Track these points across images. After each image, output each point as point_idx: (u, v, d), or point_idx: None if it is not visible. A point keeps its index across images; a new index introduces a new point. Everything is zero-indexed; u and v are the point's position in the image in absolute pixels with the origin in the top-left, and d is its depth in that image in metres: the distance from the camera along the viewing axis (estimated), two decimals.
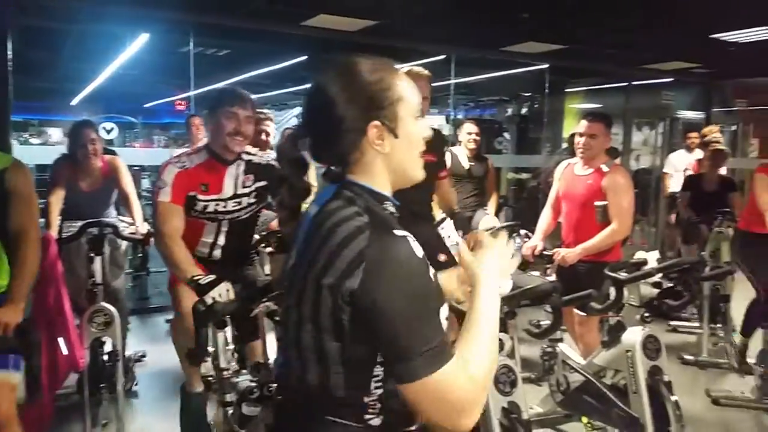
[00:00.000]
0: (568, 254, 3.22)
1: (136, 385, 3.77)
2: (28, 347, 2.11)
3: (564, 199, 3.45)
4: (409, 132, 1.13)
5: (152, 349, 4.28)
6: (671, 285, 5.14)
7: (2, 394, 2.09)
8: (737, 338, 3.75)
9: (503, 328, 2.27)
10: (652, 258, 2.79)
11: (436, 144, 3.01)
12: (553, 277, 3.52)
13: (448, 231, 4.29)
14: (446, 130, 7.29)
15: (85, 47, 7.10)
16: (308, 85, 1.17)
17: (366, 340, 1.03)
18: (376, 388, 1.07)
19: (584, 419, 3.05)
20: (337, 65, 1.13)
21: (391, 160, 1.13)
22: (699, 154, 5.76)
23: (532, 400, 3.38)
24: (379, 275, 0.98)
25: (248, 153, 2.63)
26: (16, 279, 2.18)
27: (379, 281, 0.98)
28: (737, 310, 4.14)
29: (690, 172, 5.69)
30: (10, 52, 4.43)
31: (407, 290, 0.98)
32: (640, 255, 2.85)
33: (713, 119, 9.38)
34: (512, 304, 2.21)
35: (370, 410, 1.09)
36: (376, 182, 1.14)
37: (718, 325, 4.43)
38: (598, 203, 3.22)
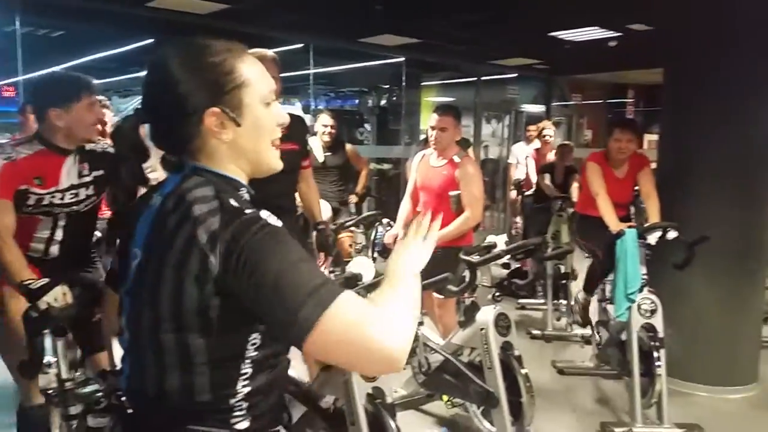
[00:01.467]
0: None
1: None
2: None
3: (421, 189, 3.56)
4: (256, 119, 1.07)
5: None
6: (518, 266, 5.61)
7: None
8: (581, 295, 4.09)
9: None
10: (501, 241, 2.97)
11: (298, 131, 2.92)
12: None
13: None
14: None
15: None
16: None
17: (238, 328, 0.97)
18: (244, 386, 1.01)
19: (445, 397, 3.19)
20: (175, 46, 1.05)
21: (236, 149, 1.06)
22: (537, 144, 6.26)
23: (397, 384, 3.48)
24: (238, 253, 0.92)
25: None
26: None
27: (240, 258, 0.91)
28: (578, 287, 4.56)
29: (531, 161, 6.15)
30: None
31: (272, 252, 0.92)
32: (490, 239, 3.02)
33: (552, 112, 10.25)
34: (372, 291, 2.22)
35: (237, 412, 1.03)
36: (226, 171, 1.07)
37: (561, 301, 4.86)
38: (452, 193, 3.36)
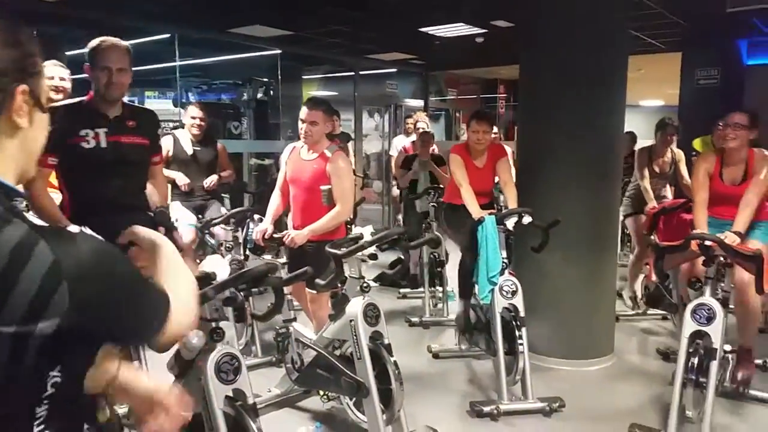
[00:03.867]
0: (296, 236, 3.27)
1: None
2: None
3: (291, 182, 3.49)
4: (42, 117, 0.94)
5: None
6: (400, 257, 5.70)
7: None
8: (457, 305, 4.15)
9: (222, 315, 2.19)
10: (367, 232, 2.97)
11: (147, 125, 2.80)
12: (283, 259, 3.55)
13: (176, 214, 4.05)
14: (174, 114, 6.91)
15: None
16: None
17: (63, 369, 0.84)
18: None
19: (320, 392, 3.16)
20: None
21: (26, 142, 0.91)
22: (414, 137, 6.40)
23: (271, 383, 3.40)
24: (92, 285, 0.81)
25: None
26: None
27: (95, 291, 0.81)
28: (452, 273, 4.70)
29: (404, 153, 6.27)
30: None
31: (123, 283, 0.88)
32: (356, 230, 3.01)
33: (430, 106, 10.54)
34: (230, 289, 2.14)
35: None
36: (3, 171, 0.89)
37: (438, 288, 5.00)
38: (323, 187, 3.32)
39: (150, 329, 0.93)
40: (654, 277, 3.52)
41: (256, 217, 4.15)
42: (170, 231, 2.71)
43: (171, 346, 1.02)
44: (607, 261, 4.02)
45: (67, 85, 3.28)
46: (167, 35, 6.52)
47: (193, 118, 4.47)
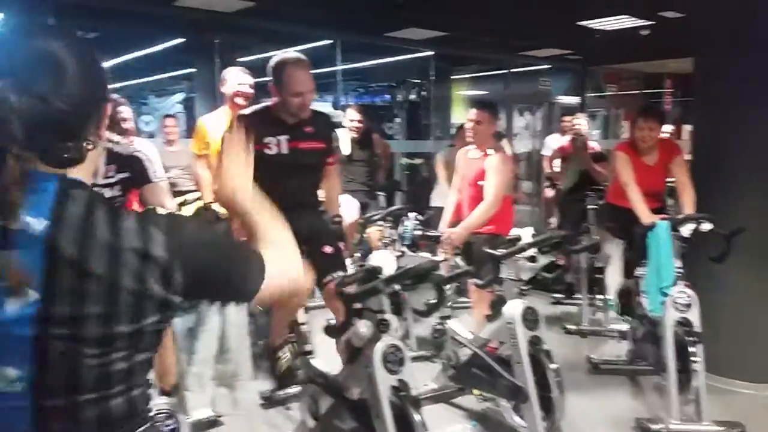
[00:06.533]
0: (453, 233, 3.34)
1: None
2: None
3: (461, 181, 3.73)
4: None
5: None
6: (554, 260, 5.50)
7: None
8: (619, 281, 3.95)
9: (391, 309, 2.26)
10: (527, 234, 2.91)
11: (323, 129, 2.92)
12: (440, 257, 3.60)
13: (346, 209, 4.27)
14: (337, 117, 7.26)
15: None
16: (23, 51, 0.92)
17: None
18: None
19: (475, 391, 3.15)
20: (62, 36, 0.94)
21: (97, 150, 0.97)
22: (570, 136, 6.12)
23: (427, 378, 3.45)
24: (197, 258, 0.96)
25: (110, 140, 2.42)
26: None
27: (200, 263, 0.96)
28: (612, 280, 4.44)
29: (557, 154, 6.03)
30: None
31: (221, 253, 1.02)
32: (515, 232, 2.97)
33: (587, 104, 10.03)
34: (395, 284, 2.20)
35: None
36: (83, 174, 0.96)
37: (596, 296, 4.75)
38: (483, 182, 3.49)
39: (248, 290, 1.03)
40: None
41: (411, 214, 4.24)
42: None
43: (269, 303, 1.12)
44: None
45: (251, 91, 3.51)
46: (329, 41, 6.86)
47: (352, 120, 4.73)
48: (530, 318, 2.72)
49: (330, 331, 2.34)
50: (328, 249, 2.81)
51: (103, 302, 0.87)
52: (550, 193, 6.41)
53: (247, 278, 1.02)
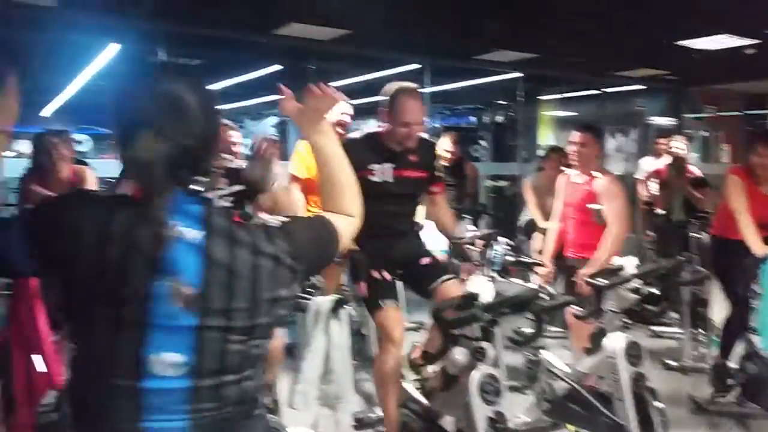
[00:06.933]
0: (584, 273, 3.18)
1: None
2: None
3: (565, 207, 3.69)
4: None
5: None
6: (652, 291, 5.21)
7: None
8: (714, 351, 3.73)
9: (486, 336, 2.23)
10: (630, 264, 2.78)
11: (426, 159, 2.88)
12: (533, 284, 3.52)
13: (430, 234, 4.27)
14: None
15: (55, 58, 6.92)
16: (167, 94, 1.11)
17: None
18: None
19: (570, 427, 3.02)
20: (191, 82, 1.15)
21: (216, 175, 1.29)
22: (667, 159, 5.83)
23: (518, 409, 3.34)
24: (306, 250, 1.20)
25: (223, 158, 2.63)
26: None
27: (309, 252, 1.22)
28: (717, 314, 4.16)
29: (653, 177, 5.75)
30: None
31: (319, 239, 1.28)
32: (617, 261, 2.85)
33: (684, 126, 9.54)
34: (494, 312, 2.17)
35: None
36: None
37: (700, 330, 4.46)
38: (593, 206, 3.46)
39: (336, 250, 1.31)
40: None
41: (502, 239, 4.17)
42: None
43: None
44: None
45: (349, 120, 3.59)
46: (416, 65, 6.94)
47: (446, 151, 4.86)
48: (634, 353, 2.59)
49: (426, 357, 2.33)
50: (425, 260, 2.84)
51: (246, 298, 1.07)
52: (647, 218, 6.10)
53: (334, 242, 1.28)
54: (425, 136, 3.05)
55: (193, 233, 1.05)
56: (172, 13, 5.02)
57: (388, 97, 2.71)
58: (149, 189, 1.03)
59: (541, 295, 3.38)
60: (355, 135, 3.02)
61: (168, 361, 1.03)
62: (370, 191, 2.82)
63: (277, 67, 7.33)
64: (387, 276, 2.76)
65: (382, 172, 2.74)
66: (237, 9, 4.90)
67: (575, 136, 3.53)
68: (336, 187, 1.35)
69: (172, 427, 1.05)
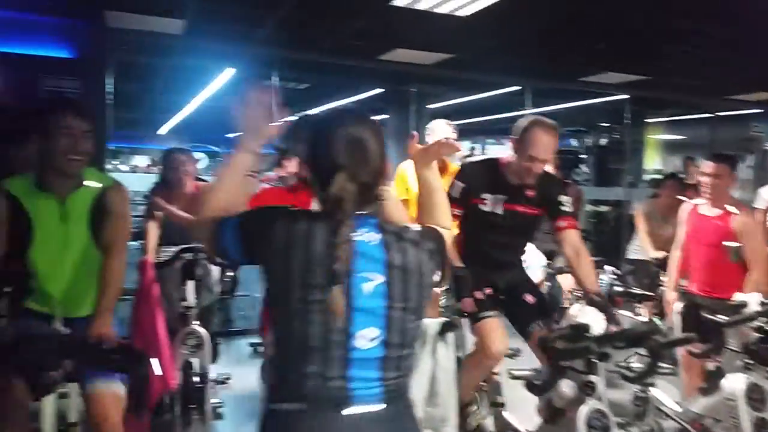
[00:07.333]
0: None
1: (221, 407, 3.81)
2: (132, 365, 2.18)
3: (691, 240, 3.46)
4: None
5: (236, 372, 4.32)
6: None
7: (113, 405, 2.18)
8: None
9: (592, 370, 2.16)
10: (754, 300, 2.61)
11: (547, 196, 2.72)
12: (643, 317, 3.37)
13: (531, 260, 4.19)
14: None
15: (176, 81, 7.49)
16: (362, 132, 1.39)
17: None
18: None
19: None
20: (361, 116, 1.44)
21: None
22: None
23: None
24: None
25: None
26: (101, 290, 2.23)
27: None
28: None
29: None
30: (109, 86, 4.73)
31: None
32: (739, 297, 2.68)
33: None
34: (607, 345, 2.10)
35: None
36: None
37: None
38: (728, 243, 3.22)
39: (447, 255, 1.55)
40: None
41: (608, 268, 4.03)
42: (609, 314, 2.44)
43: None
44: None
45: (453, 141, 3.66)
46: (518, 87, 6.89)
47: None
48: (756, 396, 2.43)
49: (531, 387, 2.30)
50: (529, 298, 2.79)
51: (416, 283, 1.36)
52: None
53: (445, 243, 1.52)
54: (549, 169, 2.90)
55: (374, 236, 1.35)
56: (285, 40, 5.31)
57: (522, 128, 2.64)
58: (341, 216, 1.30)
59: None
60: (476, 159, 3.04)
61: (368, 336, 1.31)
62: (478, 219, 2.85)
63: (378, 90, 7.53)
64: (489, 291, 2.73)
65: (494, 204, 2.71)
66: (345, 37, 5.10)
67: (708, 166, 3.27)
68: (435, 206, 1.62)
69: (370, 394, 1.32)
